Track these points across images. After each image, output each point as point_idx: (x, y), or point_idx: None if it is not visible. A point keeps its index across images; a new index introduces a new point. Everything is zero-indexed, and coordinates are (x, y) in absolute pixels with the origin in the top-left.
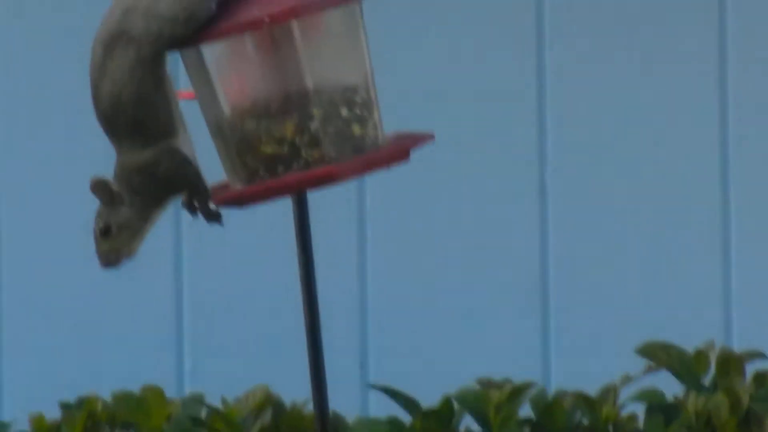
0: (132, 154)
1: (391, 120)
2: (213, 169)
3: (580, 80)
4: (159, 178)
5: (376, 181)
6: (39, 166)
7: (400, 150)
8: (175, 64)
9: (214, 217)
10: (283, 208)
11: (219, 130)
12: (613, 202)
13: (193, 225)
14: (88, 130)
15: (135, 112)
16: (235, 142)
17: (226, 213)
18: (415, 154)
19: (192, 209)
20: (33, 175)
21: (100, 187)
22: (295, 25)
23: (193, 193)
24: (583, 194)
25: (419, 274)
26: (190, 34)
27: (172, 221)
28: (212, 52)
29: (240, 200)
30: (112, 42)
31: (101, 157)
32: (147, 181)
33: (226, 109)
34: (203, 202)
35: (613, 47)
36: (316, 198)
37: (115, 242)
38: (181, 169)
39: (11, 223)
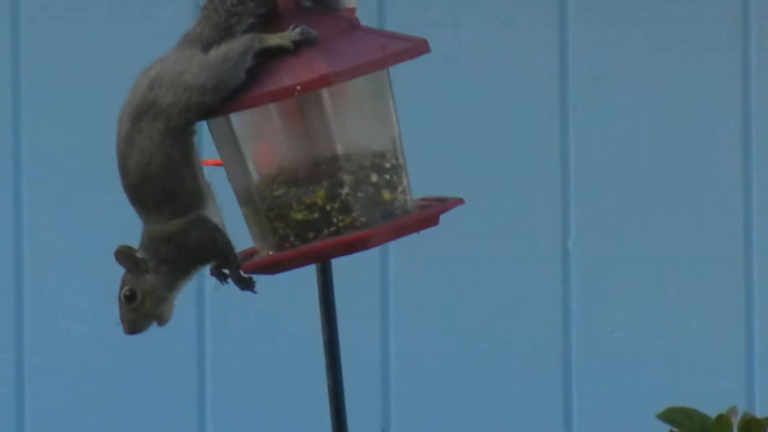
0: (159, 223)
1: (419, 184)
2: (240, 237)
3: (603, 147)
4: (188, 247)
5: (399, 244)
6: (65, 233)
7: (429, 215)
8: (199, 131)
9: (246, 284)
10: (305, 273)
11: (248, 197)
12: (634, 268)
13: (216, 291)
14: (113, 200)
15: (163, 182)
16: (265, 209)
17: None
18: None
19: (220, 277)
20: (59, 242)
21: (124, 255)
22: (325, 93)
23: (224, 262)
24: (606, 260)
25: (442, 339)
26: (219, 103)
27: (195, 286)
28: (240, 119)
29: (271, 267)
30: (139, 114)
31: (127, 225)
32: (175, 250)
33: (255, 176)
34: (234, 269)
35: (636, 114)
36: (338, 262)
37: (139, 309)
38: (211, 238)
39: (36, 288)
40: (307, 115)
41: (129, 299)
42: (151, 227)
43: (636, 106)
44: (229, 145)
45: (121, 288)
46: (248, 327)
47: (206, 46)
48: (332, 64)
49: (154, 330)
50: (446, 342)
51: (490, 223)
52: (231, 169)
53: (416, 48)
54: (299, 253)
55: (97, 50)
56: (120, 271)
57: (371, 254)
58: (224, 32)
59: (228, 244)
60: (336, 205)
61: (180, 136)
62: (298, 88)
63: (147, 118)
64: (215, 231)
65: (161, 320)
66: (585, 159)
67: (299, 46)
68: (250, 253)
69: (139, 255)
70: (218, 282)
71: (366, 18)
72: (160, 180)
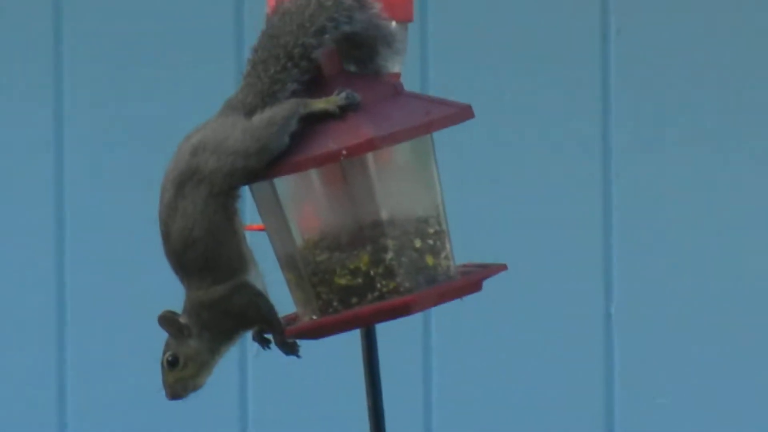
0: (202, 290)
1: (461, 249)
2: (283, 302)
3: (645, 213)
4: (231, 313)
5: (442, 309)
6: (111, 307)
7: (472, 281)
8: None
9: (291, 350)
10: (349, 337)
11: (291, 262)
12: (677, 333)
13: (259, 356)
14: (157, 271)
15: (206, 249)
16: (309, 273)
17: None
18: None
19: (262, 342)
20: (107, 321)
21: (168, 320)
22: (369, 157)
23: (267, 327)
24: (649, 325)
25: (485, 406)
26: (263, 167)
27: (238, 351)
28: (285, 184)
29: (315, 332)
30: (183, 181)
31: (172, 293)
32: (218, 316)
33: (298, 240)
34: (279, 335)
35: (678, 178)
36: (381, 327)
37: (182, 374)
38: (254, 304)
39: (78, 344)
40: (351, 180)
41: (171, 364)
42: (194, 293)
43: (679, 169)
44: (273, 210)
45: (164, 353)
46: (291, 392)
47: (249, 113)
48: (378, 129)
49: (198, 394)
50: (489, 409)
51: (533, 288)
52: (274, 234)
53: (460, 114)
54: (343, 319)
55: (139, 116)
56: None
57: (414, 319)
58: (268, 99)
59: (271, 310)
60: (380, 270)
61: (223, 201)
62: (344, 152)
63: (190, 184)
64: (258, 296)
65: (198, 386)
66: (627, 224)
67: (344, 110)
68: (292, 319)
69: (182, 320)
70: (261, 347)
71: (409, 82)
72: (203, 246)
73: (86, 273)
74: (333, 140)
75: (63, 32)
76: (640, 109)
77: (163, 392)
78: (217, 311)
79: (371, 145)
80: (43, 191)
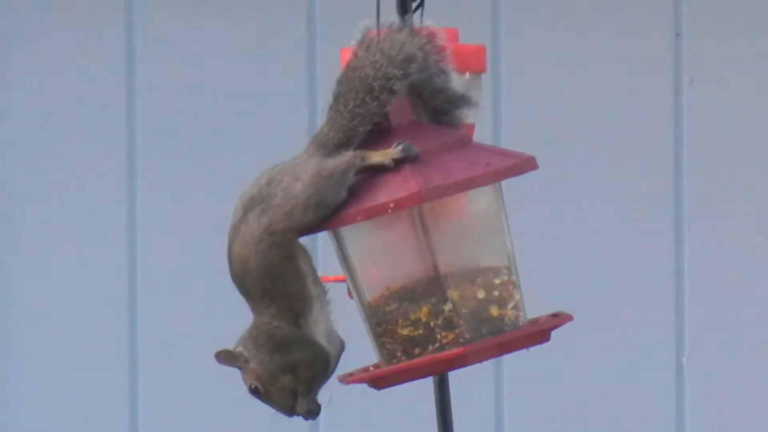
0: (266, 316)
1: (533, 301)
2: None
3: (717, 260)
4: (284, 356)
5: (513, 359)
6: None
7: (538, 331)
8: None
9: (310, 416)
10: (423, 385)
11: (362, 311)
12: (749, 384)
13: (331, 403)
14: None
15: (262, 280)
16: (374, 324)
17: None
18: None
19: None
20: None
21: (222, 357)
22: (424, 210)
23: (304, 389)
24: (721, 376)
25: None
26: (319, 221)
27: None
28: (349, 236)
29: (376, 382)
30: (250, 206)
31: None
32: (273, 350)
33: (365, 291)
34: (307, 402)
35: (749, 230)
36: (455, 376)
37: (274, 393)
38: (309, 364)
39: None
40: (412, 232)
41: (256, 392)
42: (258, 317)
43: (749, 222)
44: (343, 260)
45: (246, 385)
46: None
47: (332, 149)
48: (428, 181)
49: None
50: None
51: (604, 338)
52: (349, 284)
53: (521, 165)
54: (401, 369)
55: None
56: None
57: (486, 369)
58: (349, 133)
59: (318, 377)
60: (439, 322)
61: (279, 241)
62: (391, 205)
63: (256, 211)
64: (318, 360)
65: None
66: (699, 273)
67: (400, 163)
68: (376, 367)
69: (236, 350)
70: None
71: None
72: (259, 277)
73: (157, 314)
74: (384, 193)
75: (136, 82)
76: (712, 159)
77: (278, 416)
78: (273, 345)
79: (417, 198)
80: (117, 236)
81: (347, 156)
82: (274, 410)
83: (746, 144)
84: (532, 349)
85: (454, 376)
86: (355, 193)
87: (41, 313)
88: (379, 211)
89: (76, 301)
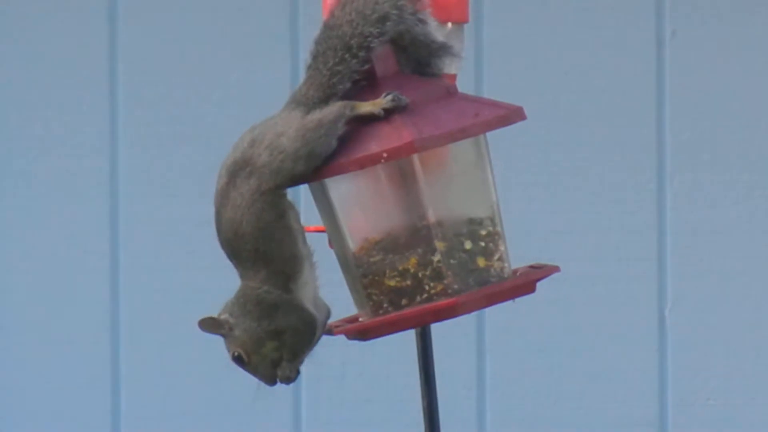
0: (255, 281)
1: (517, 252)
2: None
3: (700, 214)
4: (271, 322)
5: (495, 312)
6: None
7: (524, 282)
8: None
9: (288, 380)
10: (405, 337)
11: (345, 263)
12: (730, 335)
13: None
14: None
15: (256, 243)
16: (360, 275)
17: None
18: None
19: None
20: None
21: (206, 324)
22: (415, 160)
23: (289, 355)
24: (702, 328)
25: (537, 406)
26: (311, 171)
27: None
28: (335, 186)
29: (363, 334)
30: (236, 171)
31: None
32: (260, 316)
33: (350, 242)
34: (289, 369)
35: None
36: (437, 328)
37: (257, 361)
38: (295, 330)
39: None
40: (400, 183)
41: (239, 360)
42: (246, 283)
43: (731, 174)
44: (327, 211)
45: (230, 353)
46: (344, 393)
47: (311, 107)
48: (420, 131)
49: (251, 396)
50: (541, 409)
51: (587, 291)
52: (330, 235)
53: (510, 116)
54: (389, 320)
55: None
56: None
57: (467, 321)
58: (329, 91)
59: (305, 343)
60: (428, 272)
61: (271, 199)
62: (385, 155)
63: (242, 174)
64: (304, 324)
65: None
66: (681, 225)
67: (390, 113)
68: (354, 319)
69: (220, 317)
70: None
71: (464, 84)
72: (252, 240)
73: (140, 275)
74: (376, 143)
75: (118, 33)
76: (695, 112)
77: (262, 387)
78: (260, 311)
79: (411, 148)
80: (98, 191)
81: (336, 106)
82: (258, 383)
83: (728, 96)
84: (516, 300)
85: (436, 327)
86: (344, 143)
87: (26, 310)
88: (373, 160)
89: (59, 297)
